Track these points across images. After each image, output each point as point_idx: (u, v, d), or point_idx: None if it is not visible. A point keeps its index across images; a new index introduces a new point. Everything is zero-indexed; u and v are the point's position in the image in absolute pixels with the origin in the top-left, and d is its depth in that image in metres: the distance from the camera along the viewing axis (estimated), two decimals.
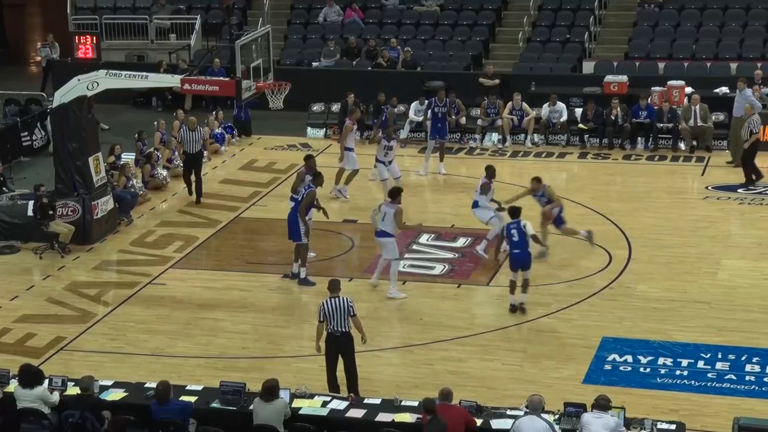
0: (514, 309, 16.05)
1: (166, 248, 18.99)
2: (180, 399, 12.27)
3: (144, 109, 28.10)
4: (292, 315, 16.47)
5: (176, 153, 23.05)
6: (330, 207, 18.56)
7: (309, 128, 25.89)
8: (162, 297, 17.04)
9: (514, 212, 16.31)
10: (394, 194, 16.83)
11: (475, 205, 18.19)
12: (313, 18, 30.54)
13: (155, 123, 23.91)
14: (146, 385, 12.74)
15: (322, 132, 25.78)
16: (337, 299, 13.32)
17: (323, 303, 13.37)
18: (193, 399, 12.40)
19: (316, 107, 26.22)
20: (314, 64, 28.54)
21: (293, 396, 12.27)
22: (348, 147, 21.24)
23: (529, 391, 12.19)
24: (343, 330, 13.29)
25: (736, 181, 21.56)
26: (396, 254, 16.59)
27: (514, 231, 16.06)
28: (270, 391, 11.87)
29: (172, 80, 20.14)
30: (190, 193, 21.43)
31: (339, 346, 13.34)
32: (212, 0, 30.83)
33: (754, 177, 21.51)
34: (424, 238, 19.01)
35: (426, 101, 24.13)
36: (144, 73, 19.57)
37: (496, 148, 24.50)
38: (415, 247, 18.47)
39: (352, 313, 13.29)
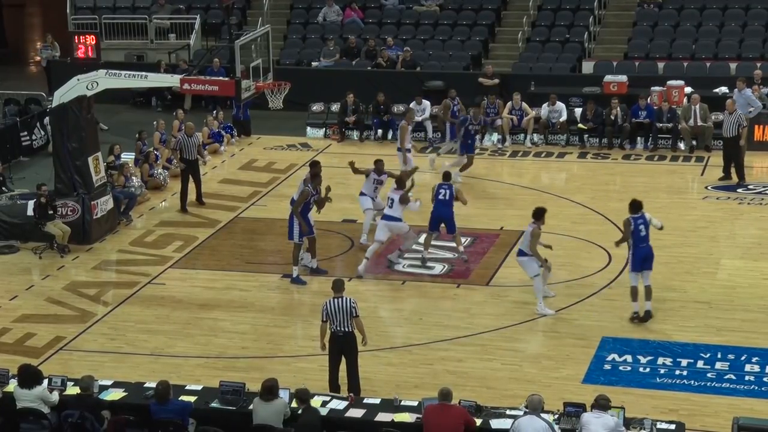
0: (638, 318, 15.43)
1: (166, 248, 18.99)
2: (180, 399, 12.27)
3: (143, 109, 28.10)
4: (291, 315, 16.48)
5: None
6: (333, 207, 18.48)
7: (308, 128, 25.89)
8: (161, 297, 17.04)
9: (637, 206, 15.69)
10: (539, 215, 15.98)
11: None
12: (313, 18, 30.54)
13: (155, 123, 23.91)
14: (146, 385, 12.74)
15: (321, 132, 25.77)
16: (340, 300, 13.32)
17: (326, 303, 13.38)
18: (192, 399, 12.39)
19: (316, 107, 26.22)
20: (314, 63, 28.54)
21: (293, 396, 12.26)
22: (406, 148, 21.38)
23: (529, 391, 12.19)
24: (346, 330, 13.30)
25: (736, 181, 21.56)
26: (537, 271, 15.95)
27: (641, 226, 15.56)
28: (269, 390, 11.87)
29: (171, 80, 20.14)
30: (183, 208, 20.67)
31: (341, 346, 13.35)
32: (212, 0, 30.83)
33: (736, 175, 21.52)
34: (423, 238, 18.97)
35: (461, 118, 23.37)
36: (143, 73, 19.57)
37: (496, 148, 24.51)
38: (414, 247, 18.45)
39: (354, 314, 13.29)
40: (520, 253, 16.12)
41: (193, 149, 21.05)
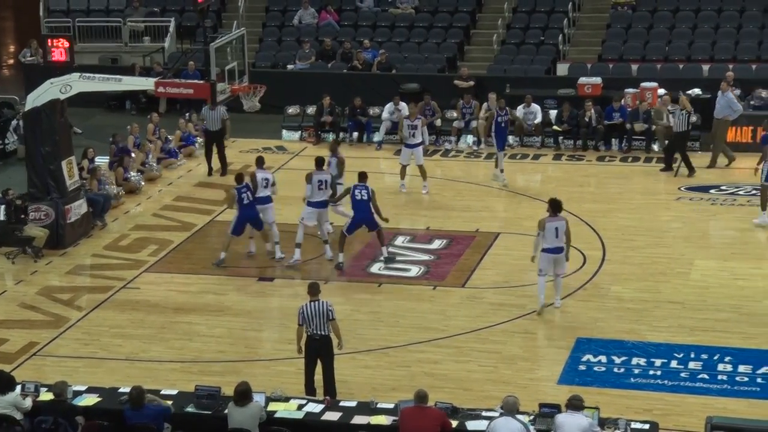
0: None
1: (141, 252, 18.92)
2: (155, 403, 12.21)
3: (118, 112, 27.98)
4: (267, 318, 16.46)
5: (150, 156, 23.00)
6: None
7: (284, 131, 25.86)
8: (136, 301, 16.97)
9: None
10: (558, 206, 15.91)
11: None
12: (288, 20, 30.50)
13: (128, 127, 23.81)
14: (120, 390, 12.68)
15: (297, 134, 25.75)
16: (316, 303, 13.32)
17: (303, 307, 13.37)
18: (168, 403, 12.34)
19: (291, 110, 26.18)
20: (289, 66, 28.50)
21: (269, 399, 12.24)
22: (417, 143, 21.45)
23: (505, 392, 12.18)
24: (323, 333, 13.30)
25: (709, 182, 21.72)
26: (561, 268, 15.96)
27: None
28: (243, 395, 11.84)
29: (146, 83, 20.09)
30: (210, 172, 22.69)
31: (318, 350, 13.35)
32: (186, 2, 30.73)
33: (686, 167, 21.93)
34: (399, 240, 19.03)
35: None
36: (118, 76, 19.51)
37: (471, 150, 24.56)
38: (390, 249, 18.47)
39: (330, 317, 13.29)
40: (558, 250, 15.84)
41: (215, 122, 22.54)
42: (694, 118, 22.13)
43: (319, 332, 13.28)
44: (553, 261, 15.85)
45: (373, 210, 17.71)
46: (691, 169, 22.09)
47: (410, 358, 14.80)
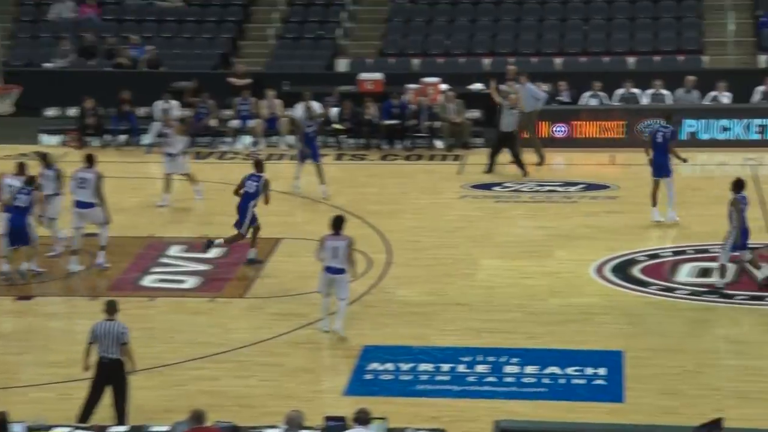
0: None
1: None
2: None
3: None
4: (29, 341, 15.92)
5: None
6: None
7: (42, 135, 25.09)
8: None
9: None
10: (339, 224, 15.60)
11: None
12: (44, 15, 29.64)
13: None
14: None
15: (58, 139, 25.04)
16: (110, 323, 13.02)
17: (95, 325, 13.04)
18: None
19: (51, 112, 25.49)
20: (46, 65, 27.70)
21: (29, 429, 11.87)
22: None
23: (289, 407, 12.15)
24: (112, 357, 12.98)
25: (492, 180, 22.50)
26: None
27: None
28: None
29: None
30: None
31: (108, 374, 13.00)
32: None
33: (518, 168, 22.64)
34: (174, 251, 18.82)
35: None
36: None
37: (249, 152, 24.54)
38: (164, 260, 18.24)
39: (123, 341, 13.00)
40: (337, 271, 15.46)
41: None
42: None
43: (108, 355, 12.96)
44: (331, 282, 15.53)
45: None
46: (524, 170, 22.49)
47: (186, 376, 14.63)
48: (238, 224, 17.95)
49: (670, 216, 19.63)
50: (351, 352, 15.26)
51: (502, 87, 23.65)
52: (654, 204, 19.60)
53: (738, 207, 16.69)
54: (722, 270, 16.87)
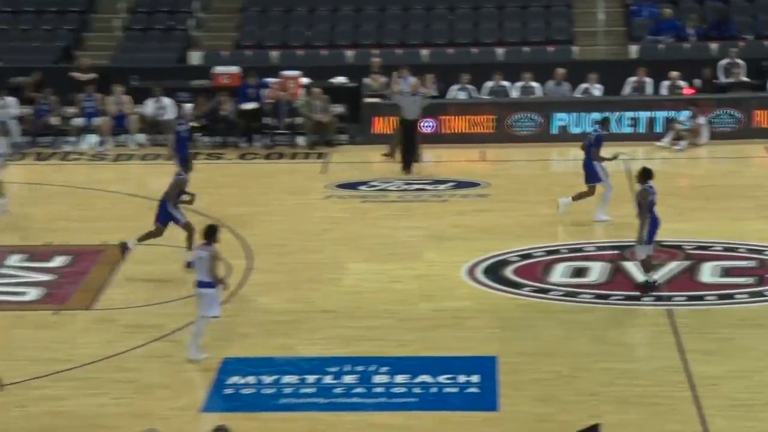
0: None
1: None
2: None
3: None
4: None
5: None
6: None
7: None
8: None
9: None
10: (211, 233, 14.87)
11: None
12: None
13: None
14: None
15: None
16: None
17: None
18: None
19: None
20: None
21: None
22: None
23: (144, 426, 11.91)
24: None
25: (358, 179, 22.41)
26: (217, 312, 14.87)
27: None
28: None
29: None
30: None
31: None
32: None
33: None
34: (13, 260, 18.24)
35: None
36: None
37: (95, 152, 23.96)
38: (2, 270, 17.58)
39: None
40: (198, 284, 14.85)
41: None
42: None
43: None
44: (197, 297, 14.88)
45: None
46: (417, 160, 22.53)
47: (28, 396, 14.07)
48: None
49: (597, 215, 19.71)
50: (209, 365, 14.92)
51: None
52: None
53: (647, 198, 16.52)
54: (644, 265, 16.70)
